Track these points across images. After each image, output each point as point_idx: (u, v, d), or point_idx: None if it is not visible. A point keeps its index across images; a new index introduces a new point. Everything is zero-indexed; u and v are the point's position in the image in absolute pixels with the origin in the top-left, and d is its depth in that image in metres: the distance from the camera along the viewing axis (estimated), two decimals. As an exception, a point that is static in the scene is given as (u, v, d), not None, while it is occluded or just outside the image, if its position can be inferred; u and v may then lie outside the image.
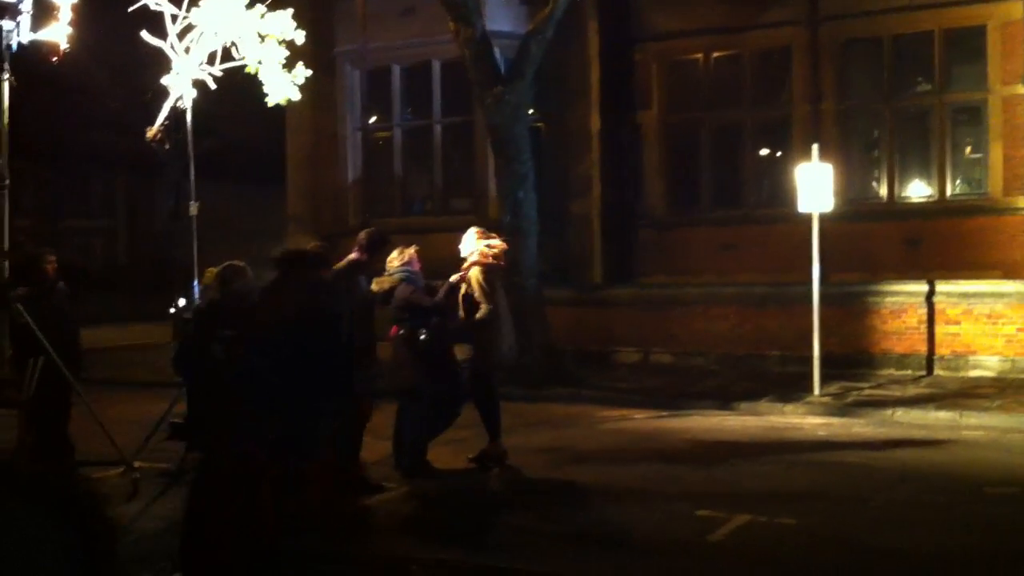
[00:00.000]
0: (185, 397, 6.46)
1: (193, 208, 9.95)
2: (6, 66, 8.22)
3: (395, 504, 8.06)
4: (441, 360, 8.69)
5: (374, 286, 8.79)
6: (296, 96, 9.97)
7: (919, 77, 16.70)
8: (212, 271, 10.03)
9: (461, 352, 8.87)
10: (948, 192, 16.21)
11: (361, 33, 17.38)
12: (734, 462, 9.22)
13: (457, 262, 9.19)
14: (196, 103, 9.84)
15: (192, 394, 6.42)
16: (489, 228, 14.65)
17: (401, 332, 8.71)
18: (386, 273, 8.80)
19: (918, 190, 16.65)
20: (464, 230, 9.43)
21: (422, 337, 8.54)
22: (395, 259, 8.85)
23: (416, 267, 8.91)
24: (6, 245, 8.35)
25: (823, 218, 12.32)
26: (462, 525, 7.61)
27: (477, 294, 8.84)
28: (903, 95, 16.56)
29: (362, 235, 8.69)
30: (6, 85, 8.24)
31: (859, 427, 10.89)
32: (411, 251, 8.93)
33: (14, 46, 8.29)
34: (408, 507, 8.07)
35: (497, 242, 9.21)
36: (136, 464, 8.51)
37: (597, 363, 15.05)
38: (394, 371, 8.71)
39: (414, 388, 8.66)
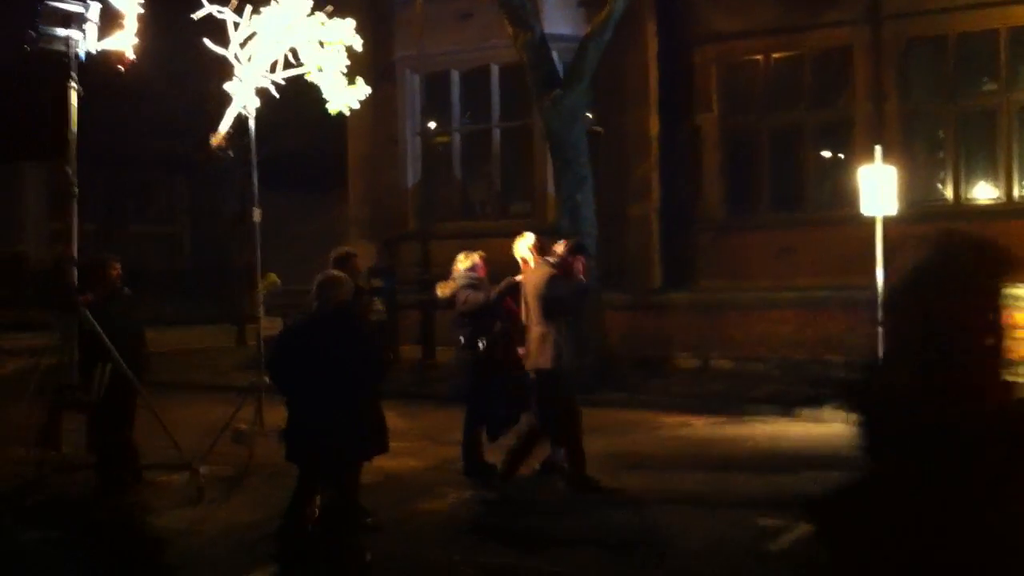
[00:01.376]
0: (286, 406, 6.48)
1: (256, 214, 10.07)
2: (74, 75, 8.39)
3: (446, 509, 8.07)
4: (501, 365, 8.65)
5: (438, 291, 8.80)
6: (356, 105, 10.04)
7: (984, 76, 16.40)
8: (272, 277, 10.16)
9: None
10: (1015, 193, 15.89)
11: (419, 38, 17.47)
12: (797, 470, 9.11)
13: (516, 267, 9.16)
14: (259, 110, 9.96)
15: (293, 405, 6.42)
16: (547, 231, 14.66)
17: (462, 338, 8.70)
18: (451, 278, 8.80)
19: (984, 191, 16.35)
20: (520, 233, 9.40)
21: (481, 345, 8.51)
22: (461, 263, 8.84)
23: (481, 273, 8.86)
24: (75, 252, 8.54)
25: (886, 221, 12.14)
26: (512, 530, 7.60)
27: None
28: (968, 95, 16.27)
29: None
30: (74, 94, 8.41)
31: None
32: (476, 256, 8.91)
33: (82, 55, 8.46)
34: (460, 512, 8.08)
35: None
36: (200, 468, 8.61)
37: (655, 368, 14.97)
38: (455, 376, 8.73)
39: (472, 392, 8.66)
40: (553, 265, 8.42)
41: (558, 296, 8.28)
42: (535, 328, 8.34)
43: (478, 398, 8.69)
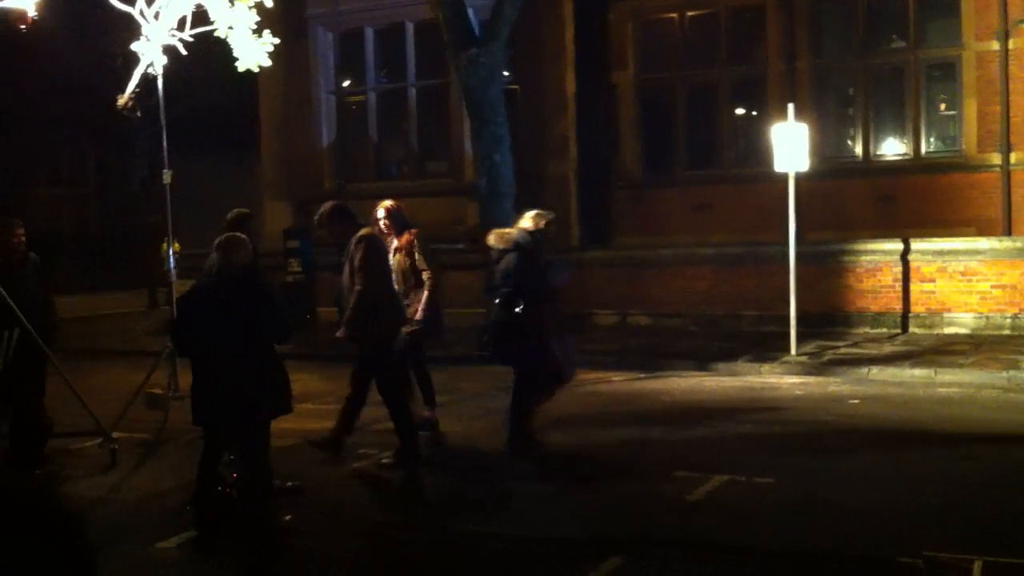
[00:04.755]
0: (191, 370, 6.38)
1: (166, 177, 9.85)
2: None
3: (370, 470, 8.06)
4: (534, 332, 8.25)
5: (493, 240, 8.31)
6: (267, 62, 9.85)
7: (893, 34, 16.70)
8: (175, 244, 10.00)
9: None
10: (923, 149, 16.27)
11: (333, -5, 17.22)
12: (712, 423, 9.28)
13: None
14: (167, 69, 9.72)
15: (198, 368, 6.33)
16: (464, 191, 14.58)
17: (497, 302, 8.25)
18: (501, 237, 8.35)
19: (893, 148, 16.70)
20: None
21: (519, 309, 8.18)
22: (526, 221, 8.44)
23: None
24: (-24, 217, 8.27)
25: (798, 177, 12.33)
26: (438, 489, 7.63)
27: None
28: (877, 52, 16.56)
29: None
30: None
31: (835, 386, 10.97)
32: (541, 220, 8.47)
33: (-21, 14, 8.17)
34: (383, 473, 8.06)
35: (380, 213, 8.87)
36: (114, 434, 8.47)
37: (574, 326, 15.03)
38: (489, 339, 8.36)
39: (522, 358, 8.31)
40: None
41: None
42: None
43: (532, 363, 8.27)
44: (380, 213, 8.88)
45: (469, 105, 14.35)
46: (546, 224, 8.51)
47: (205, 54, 10.37)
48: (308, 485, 7.36)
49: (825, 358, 12.12)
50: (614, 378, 11.85)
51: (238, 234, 6.73)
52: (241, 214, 8.10)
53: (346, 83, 19.05)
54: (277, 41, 9.81)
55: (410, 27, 17.79)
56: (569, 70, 17.38)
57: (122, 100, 9.60)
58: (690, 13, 17.39)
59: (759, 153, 15.37)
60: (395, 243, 8.82)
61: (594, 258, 16.03)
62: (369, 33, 18.33)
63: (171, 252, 9.95)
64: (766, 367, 11.88)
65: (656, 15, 17.61)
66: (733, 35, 17.28)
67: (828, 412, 9.57)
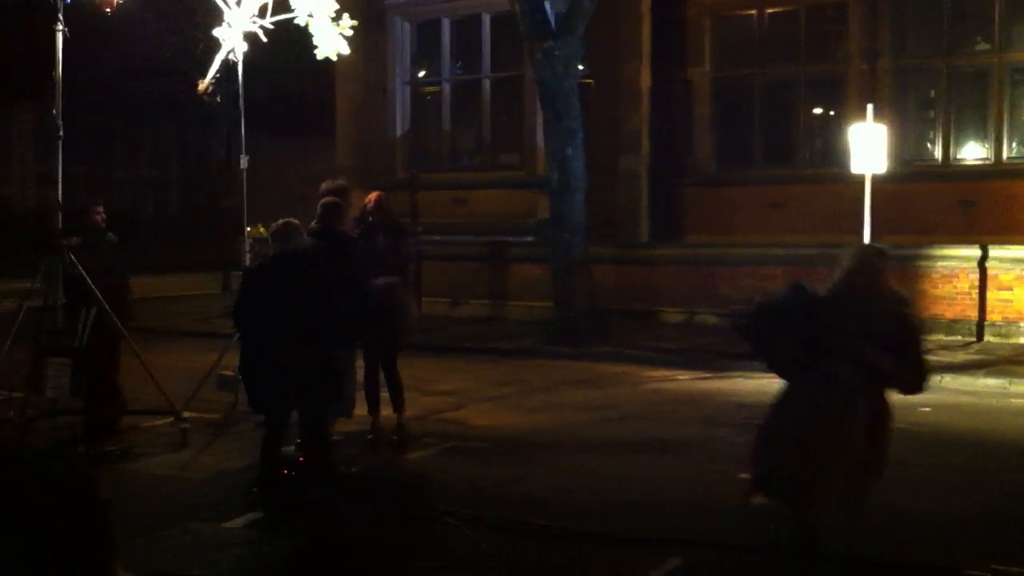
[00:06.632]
0: (240, 355, 6.53)
1: (243, 162, 10.01)
2: (60, 18, 8.29)
3: (433, 458, 8.12)
4: None
5: None
6: (345, 50, 9.95)
7: (978, 36, 16.33)
8: (260, 228, 10.14)
9: None
10: (1004, 155, 15.89)
11: (411, -15, 17.31)
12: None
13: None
14: (247, 55, 9.87)
15: (248, 350, 6.48)
16: (535, 184, 14.54)
17: None
18: None
19: (973, 152, 16.34)
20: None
21: None
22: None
23: None
24: (60, 197, 8.49)
25: (875, 178, 12.14)
26: (494, 481, 7.66)
27: None
28: (960, 53, 16.22)
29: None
30: (59, 37, 8.31)
31: (906, 392, 10.77)
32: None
33: (68, -1, 8.35)
34: (445, 462, 8.12)
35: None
36: (185, 414, 8.64)
37: (641, 321, 15.01)
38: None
39: None
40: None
41: None
42: None
43: None
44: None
45: (543, 98, 14.34)
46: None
47: (285, 40, 10.51)
48: (369, 470, 7.44)
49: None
50: (680, 376, 11.78)
51: (292, 220, 6.88)
52: (340, 185, 8.33)
53: (421, 73, 19.14)
54: (355, 24, 9.91)
55: (487, 19, 17.81)
56: (644, 65, 17.28)
57: (202, 85, 9.77)
58: (769, 10, 17.17)
59: (835, 153, 15.14)
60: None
61: (664, 254, 15.95)
62: (446, 24, 18.40)
63: (246, 236, 10.12)
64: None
65: (734, 11, 17.43)
66: (812, 33, 17.04)
67: (897, 419, 9.39)
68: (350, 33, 9.90)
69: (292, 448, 7.12)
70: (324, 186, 8.42)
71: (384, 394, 8.37)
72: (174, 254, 25.75)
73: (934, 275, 13.84)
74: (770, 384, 11.20)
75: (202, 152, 31.13)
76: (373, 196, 8.83)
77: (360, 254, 7.86)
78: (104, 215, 9.04)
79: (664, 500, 6.97)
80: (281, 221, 6.78)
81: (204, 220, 27.68)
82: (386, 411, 8.48)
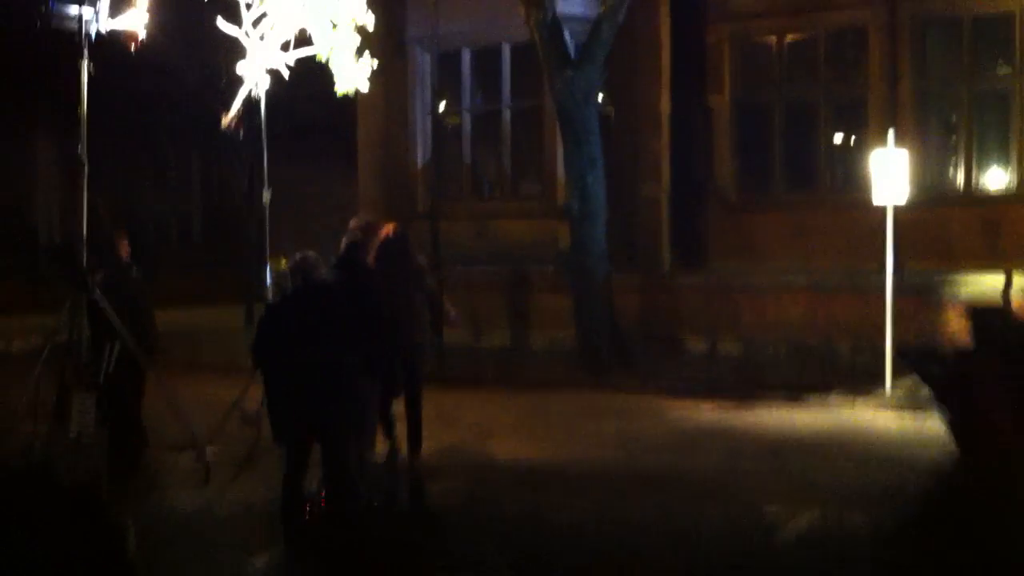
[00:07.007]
0: (262, 385, 6.54)
1: (266, 196, 10.07)
2: (86, 53, 8.38)
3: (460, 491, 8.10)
4: None
5: None
6: (365, 87, 10.02)
7: (999, 60, 16.27)
8: (282, 261, 10.19)
9: None
10: (1028, 178, 15.78)
11: (431, 17, 17.39)
12: (804, 458, 9.11)
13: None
14: (269, 89, 9.94)
15: (270, 383, 6.49)
16: (556, 212, 14.55)
17: None
18: None
19: (997, 177, 16.25)
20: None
21: None
22: None
23: None
24: (85, 228, 8.53)
25: (898, 206, 12.08)
26: (519, 516, 7.62)
27: None
28: (982, 78, 16.15)
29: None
30: (85, 72, 8.40)
31: (932, 423, 10.66)
32: None
33: (93, 35, 8.44)
34: (472, 496, 8.09)
35: None
36: (209, 448, 8.64)
37: (664, 350, 14.94)
38: None
39: None
40: None
41: None
42: None
43: None
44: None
45: (563, 126, 14.38)
46: None
47: (307, 71, 10.59)
48: (391, 504, 7.43)
49: (922, 393, 11.78)
50: (704, 406, 11.71)
51: (311, 253, 6.91)
52: (368, 222, 8.42)
53: (442, 104, 19.24)
54: (376, 63, 9.98)
55: (507, 49, 17.89)
56: (664, 92, 17.29)
57: (226, 120, 9.85)
58: (789, 35, 17.18)
59: (858, 178, 15.06)
60: None
61: (686, 282, 15.90)
62: (466, 55, 18.49)
63: (268, 269, 10.16)
64: (860, 401, 11.63)
65: (754, 37, 17.44)
66: (832, 58, 17.02)
67: (923, 450, 9.32)
68: (368, 73, 9.96)
69: (315, 487, 7.09)
70: (352, 223, 8.48)
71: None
72: (198, 286, 25.84)
73: (959, 302, 13.69)
74: (793, 414, 11.18)
75: (225, 184, 31.30)
76: (389, 228, 8.87)
77: (380, 291, 7.89)
78: (129, 247, 9.10)
79: (688, 532, 6.92)
80: (299, 255, 6.81)
81: (227, 252, 27.79)
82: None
